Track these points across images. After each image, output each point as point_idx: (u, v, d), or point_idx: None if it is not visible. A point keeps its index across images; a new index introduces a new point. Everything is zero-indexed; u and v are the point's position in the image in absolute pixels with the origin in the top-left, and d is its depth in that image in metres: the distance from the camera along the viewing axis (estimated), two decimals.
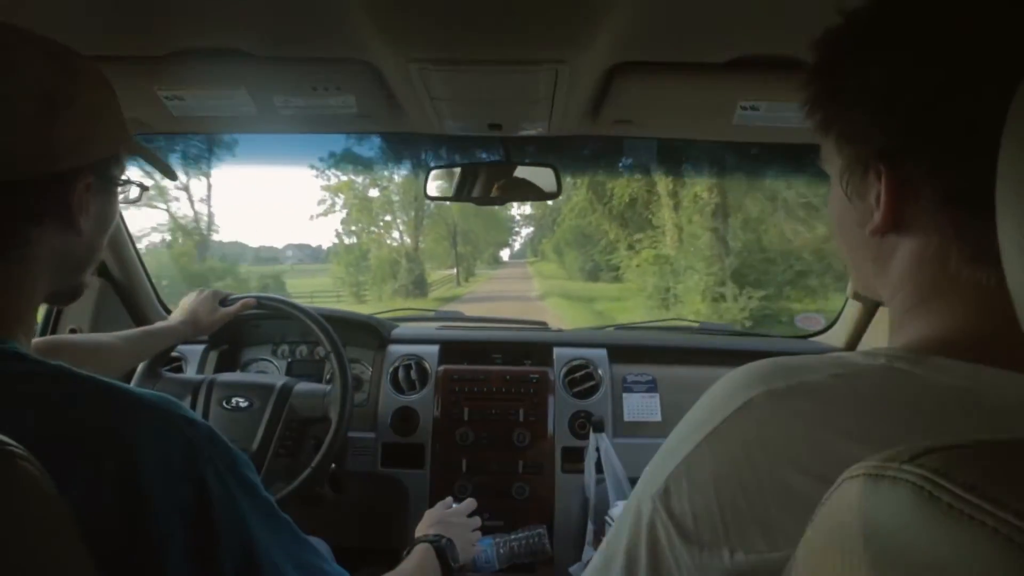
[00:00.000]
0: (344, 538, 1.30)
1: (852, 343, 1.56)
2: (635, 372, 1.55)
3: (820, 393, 0.36)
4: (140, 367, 1.21)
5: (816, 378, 0.37)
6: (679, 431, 0.43)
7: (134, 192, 0.66)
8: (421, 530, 0.98)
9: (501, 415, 1.47)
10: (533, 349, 1.61)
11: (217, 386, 1.28)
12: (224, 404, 1.26)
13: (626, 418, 1.50)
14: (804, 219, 8.82)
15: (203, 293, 1.26)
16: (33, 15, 0.77)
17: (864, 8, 0.40)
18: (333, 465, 1.34)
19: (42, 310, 1.39)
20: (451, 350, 1.59)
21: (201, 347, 1.58)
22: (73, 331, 1.41)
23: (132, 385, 0.99)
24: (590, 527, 1.31)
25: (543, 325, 1.80)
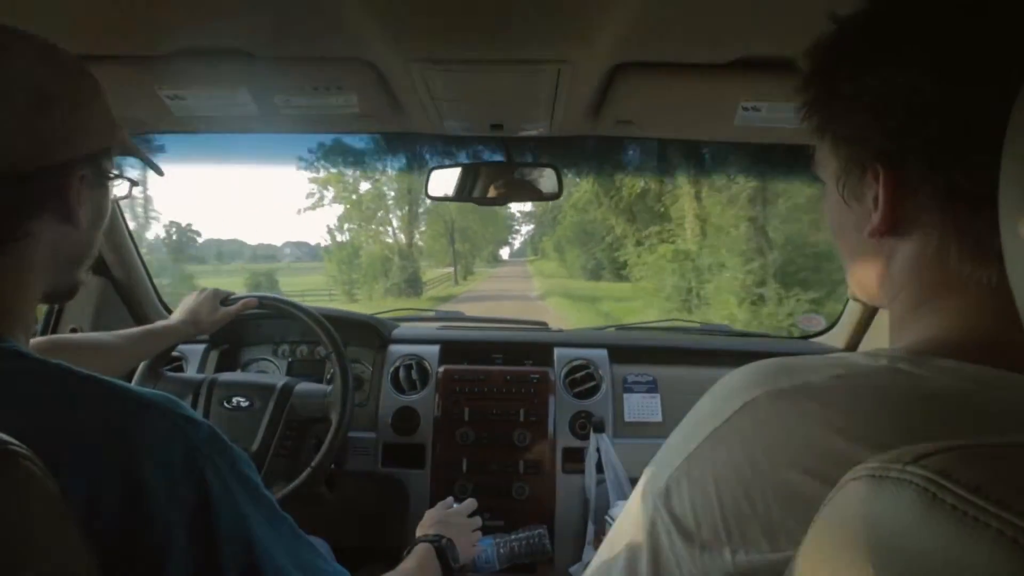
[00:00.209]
0: (344, 538, 1.30)
1: (853, 344, 1.56)
2: (636, 372, 1.55)
3: (822, 394, 0.36)
4: (141, 366, 1.21)
5: (818, 379, 0.37)
6: (680, 431, 0.43)
7: (123, 189, 0.67)
8: (421, 530, 0.98)
9: (502, 415, 1.47)
10: (534, 349, 1.61)
11: (218, 386, 1.28)
12: (225, 404, 1.26)
13: (627, 418, 1.50)
14: None
15: (204, 292, 1.25)
16: (35, 14, 0.77)
17: (858, 14, 0.40)
18: (333, 465, 1.34)
19: (42, 310, 1.39)
20: (452, 350, 1.59)
21: (202, 347, 1.59)
22: (74, 330, 1.41)
23: (133, 384, 0.99)
24: (590, 527, 1.31)
25: (543, 325, 1.80)
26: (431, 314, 2.02)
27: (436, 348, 1.58)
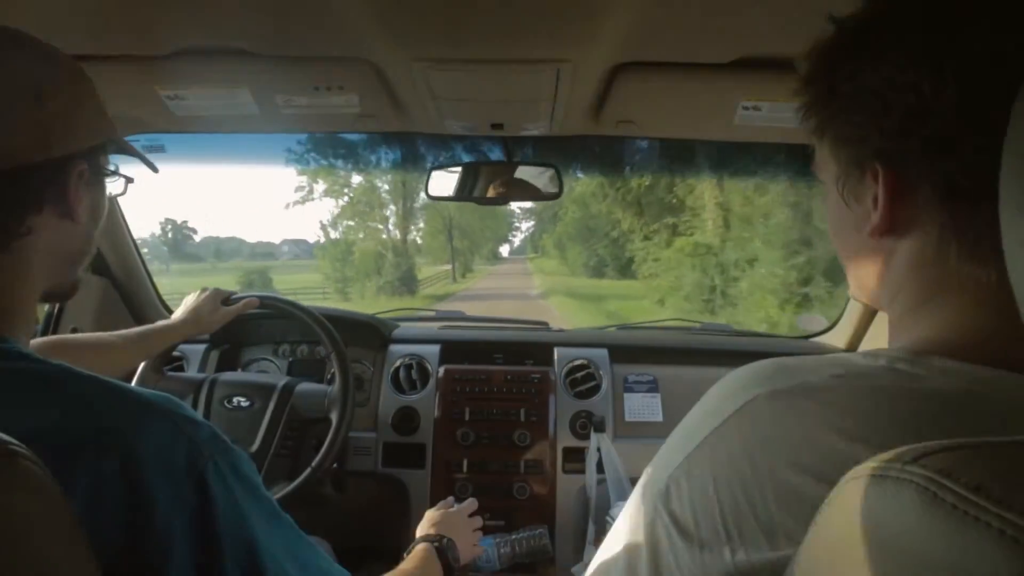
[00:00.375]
0: (345, 538, 1.29)
1: (853, 344, 1.56)
2: (636, 372, 1.55)
3: (821, 393, 0.36)
4: (142, 366, 1.21)
5: (817, 379, 0.37)
6: (680, 431, 0.43)
7: (120, 186, 0.67)
8: (422, 530, 0.98)
9: (502, 415, 1.47)
10: (534, 349, 1.61)
11: (219, 385, 1.28)
12: (225, 403, 1.26)
13: (627, 418, 1.50)
14: None
15: (205, 292, 1.26)
16: (35, 14, 0.77)
17: (856, 15, 0.40)
18: (334, 465, 1.34)
19: (42, 310, 1.39)
20: (452, 350, 1.59)
21: (202, 346, 1.59)
22: (74, 330, 1.41)
23: (134, 384, 0.99)
24: (591, 527, 1.31)
25: (544, 325, 1.80)
26: (431, 314, 2.02)
27: (436, 348, 1.58)
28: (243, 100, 1.03)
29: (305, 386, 1.31)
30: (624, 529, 0.43)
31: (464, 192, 1.41)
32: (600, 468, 1.33)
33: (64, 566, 0.37)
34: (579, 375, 1.53)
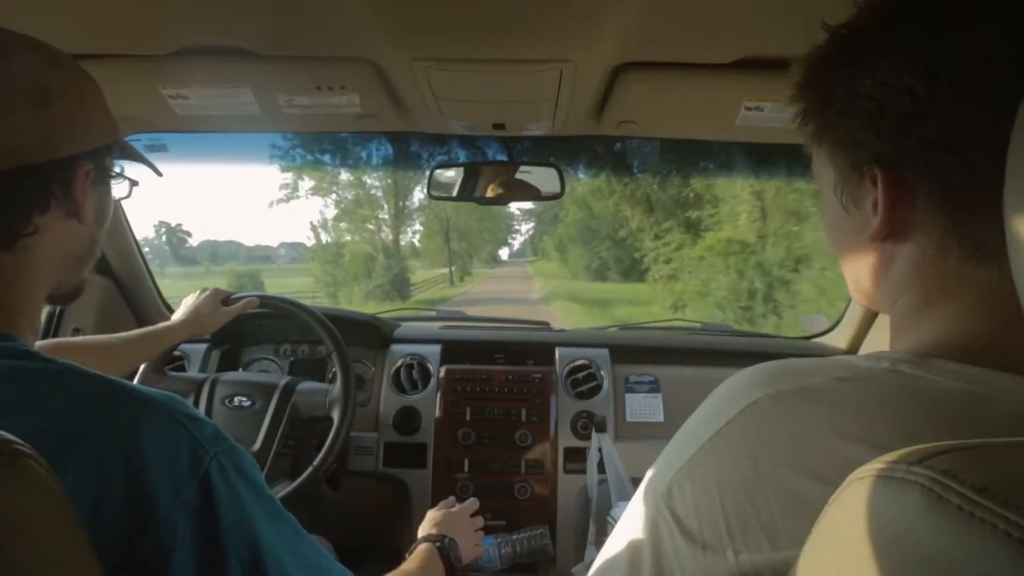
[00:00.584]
0: (346, 537, 1.30)
1: (855, 345, 1.56)
2: (637, 372, 1.55)
3: (824, 396, 0.36)
4: (143, 366, 1.21)
5: (820, 381, 0.37)
6: (683, 433, 0.43)
7: (124, 189, 0.68)
8: (424, 530, 0.98)
9: (503, 415, 1.47)
10: (535, 349, 1.61)
11: (220, 385, 1.29)
12: (227, 403, 1.26)
13: (628, 419, 1.50)
14: None
15: (205, 292, 1.26)
16: (38, 13, 0.77)
17: (848, 23, 0.41)
18: (336, 465, 1.34)
19: (45, 310, 1.39)
20: (453, 350, 1.60)
21: (203, 346, 1.59)
22: (76, 331, 1.41)
23: (136, 384, 0.99)
24: (592, 527, 1.31)
25: (545, 325, 1.81)
26: (432, 314, 2.02)
27: (438, 348, 1.58)
28: (245, 99, 1.03)
29: (306, 385, 1.31)
30: (627, 530, 0.43)
31: (465, 192, 1.41)
32: (601, 468, 1.33)
33: (66, 566, 0.37)
34: (580, 375, 1.53)
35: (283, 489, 1.18)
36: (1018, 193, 0.26)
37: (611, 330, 1.84)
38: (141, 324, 1.50)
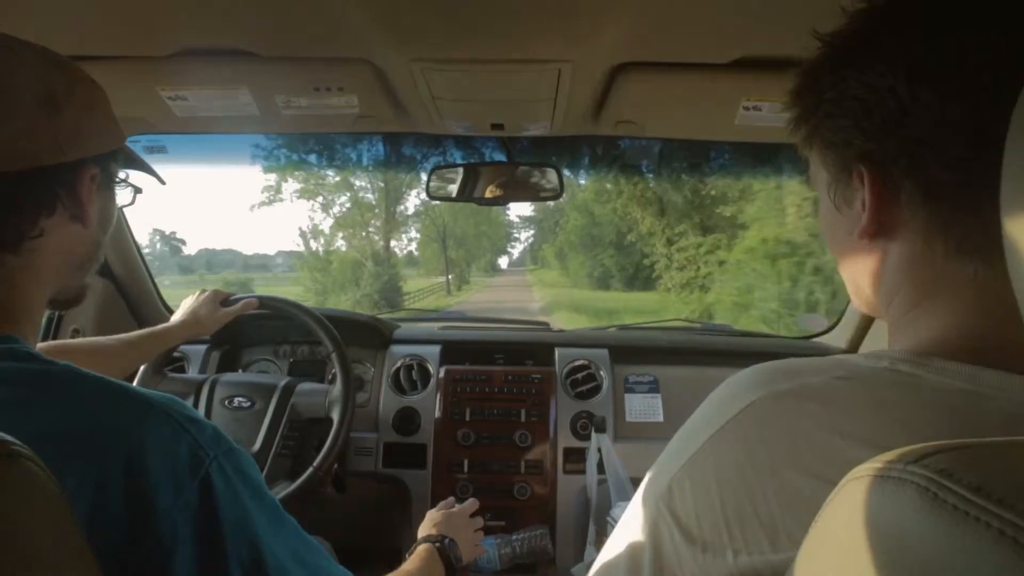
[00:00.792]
0: (346, 538, 1.30)
1: (854, 345, 1.56)
2: (637, 373, 1.55)
3: (823, 395, 0.36)
4: (143, 367, 1.21)
5: (819, 380, 0.37)
6: (682, 433, 0.43)
7: (127, 196, 0.69)
8: (424, 530, 0.99)
9: (503, 415, 1.47)
10: (535, 349, 1.62)
11: (219, 386, 1.29)
12: (226, 404, 1.26)
13: (628, 419, 1.50)
14: None
15: (204, 294, 1.26)
16: (37, 14, 0.77)
17: (839, 31, 0.42)
18: (335, 465, 1.34)
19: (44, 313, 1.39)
20: (453, 350, 1.60)
21: (203, 347, 1.59)
22: (76, 331, 1.41)
23: (135, 385, 0.99)
24: (591, 528, 1.31)
25: (545, 325, 1.81)
26: (433, 314, 2.03)
27: (437, 348, 1.58)
28: (243, 101, 1.03)
29: (306, 386, 1.31)
30: (627, 530, 0.43)
31: (464, 193, 1.41)
32: (601, 469, 1.33)
33: (64, 567, 0.37)
34: (580, 375, 1.53)
35: (283, 490, 1.18)
36: (1015, 194, 0.26)
37: (611, 330, 1.84)
38: (141, 326, 1.50)
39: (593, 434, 1.37)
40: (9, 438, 0.35)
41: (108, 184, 0.60)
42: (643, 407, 1.51)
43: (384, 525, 1.58)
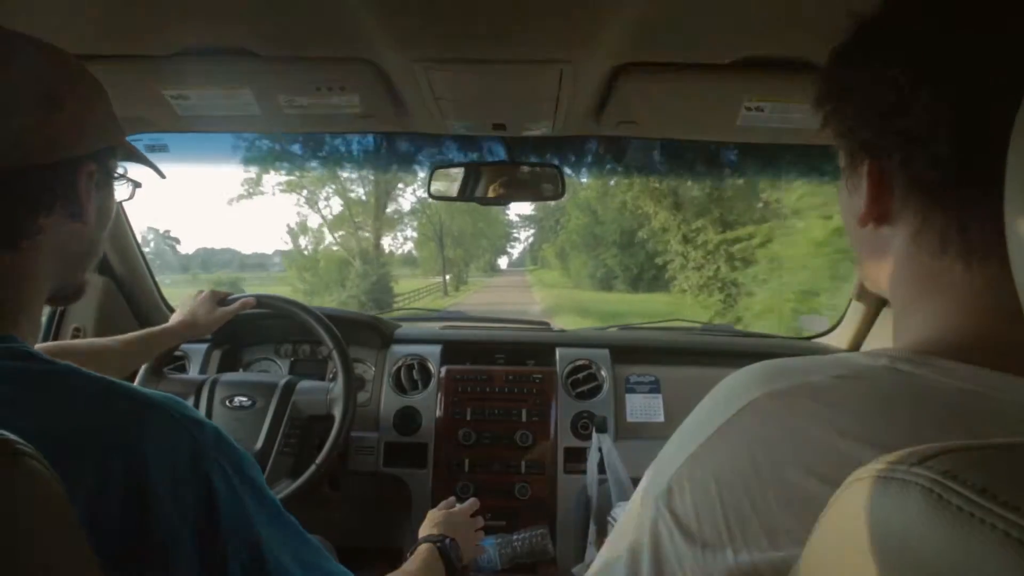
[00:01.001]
0: (347, 537, 1.30)
1: (855, 344, 1.56)
2: (638, 373, 1.55)
3: (823, 394, 0.36)
4: (144, 367, 1.22)
5: (819, 379, 0.37)
6: (682, 432, 0.43)
7: (126, 191, 0.68)
8: (424, 530, 0.98)
9: (503, 415, 1.47)
10: (536, 349, 1.62)
11: (220, 385, 1.29)
12: (227, 403, 1.26)
13: (628, 419, 1.50)
14: None
15: (202, 294, 1.27)
16: (39, 13, 0.78)
17: (860, 20, 0.43)
18: (336, 463, 1.34)
19: (45, 310, 1.39)
20: (454, 350, 1.60)
21: (204, 347, 1.59)
22: (77, 330, 1.41)
23: (136, 385, 0.99)
24: (592, 527, 1.31)
25: (546, 325, 1.81)
26: (433, 313, 2.03)
27: (438, 348, 1.58)
28: (245, 100, 1.03)
29: (307, 384, 1.31)
30: (626, 529, 0.43)
31: (466, 192, 1.40)
32: (601, 468, 1.33)
33: (66, 566, 0.37)
34: (581, 375, 1.53)
35: (285, 488, 1.18)
36: (1019, 193, 0.26)
37: (611, 330, 1.84)
38: (142, 324, 1.50)
39: (594, 434, 1.37)
40: (13, 437, 0.35)
41: (106, 180, 0.59)
42: (644, 407, 1.51)
43: (385, 525, 1.58)
